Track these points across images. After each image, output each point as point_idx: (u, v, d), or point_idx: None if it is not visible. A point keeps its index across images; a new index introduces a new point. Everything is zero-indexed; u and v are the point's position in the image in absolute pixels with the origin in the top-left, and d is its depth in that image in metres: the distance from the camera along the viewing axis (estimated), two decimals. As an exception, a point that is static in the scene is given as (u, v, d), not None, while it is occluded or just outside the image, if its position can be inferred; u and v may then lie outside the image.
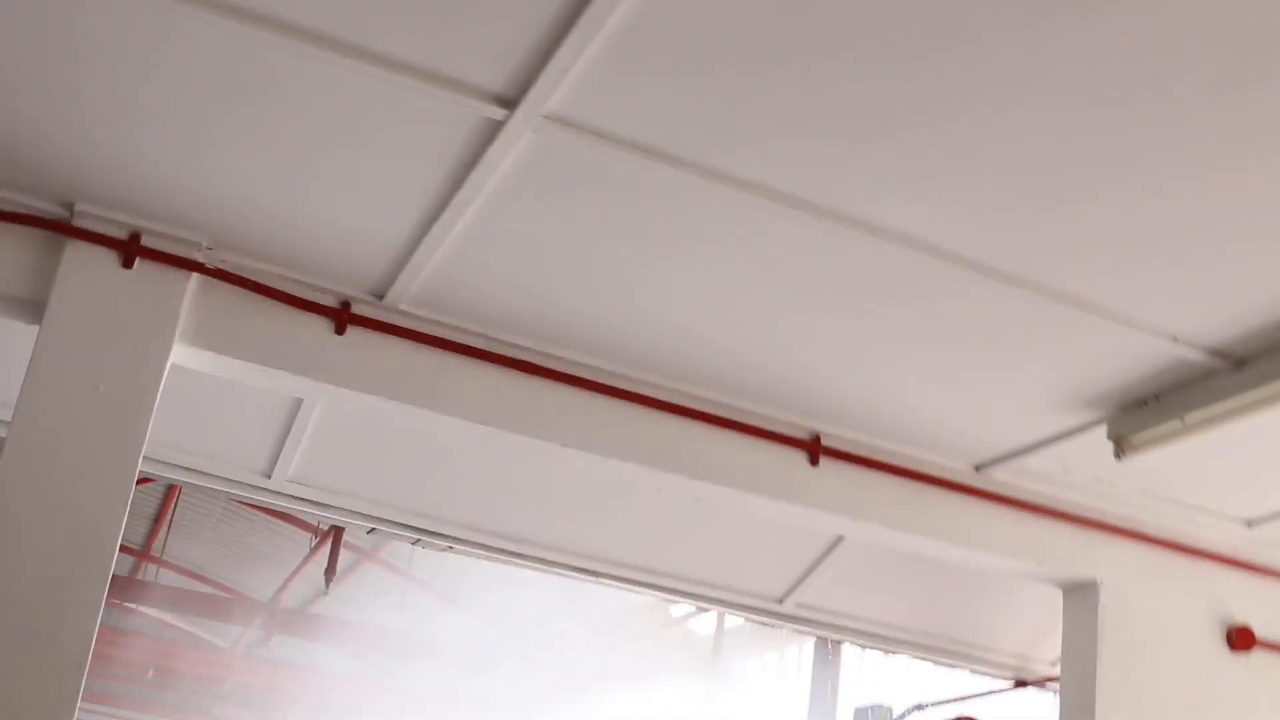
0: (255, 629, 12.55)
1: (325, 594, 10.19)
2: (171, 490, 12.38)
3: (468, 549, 5.73)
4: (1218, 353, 3.94)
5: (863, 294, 3.90)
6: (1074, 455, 4.75)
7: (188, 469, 4.90)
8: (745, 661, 10.66)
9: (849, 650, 7.79)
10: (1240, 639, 5.28)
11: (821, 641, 7.71)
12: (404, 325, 4.25)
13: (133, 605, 16.05)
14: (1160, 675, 5.14)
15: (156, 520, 13.65)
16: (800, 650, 9.74)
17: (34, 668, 3.47)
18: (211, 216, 3.85)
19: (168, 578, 14.77)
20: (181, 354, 3.92)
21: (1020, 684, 6.63)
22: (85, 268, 3.78)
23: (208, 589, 14.93)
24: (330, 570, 9.31)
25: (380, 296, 4.18)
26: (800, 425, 4.78)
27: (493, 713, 15.15)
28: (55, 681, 3.49)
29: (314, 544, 10.49)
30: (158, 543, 14.08)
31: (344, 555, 12.06)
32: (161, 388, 3.82)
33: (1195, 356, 3.96)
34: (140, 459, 3.74)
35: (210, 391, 4.47)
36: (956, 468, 5.00)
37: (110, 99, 3.33)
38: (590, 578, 6.12)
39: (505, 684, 13.81)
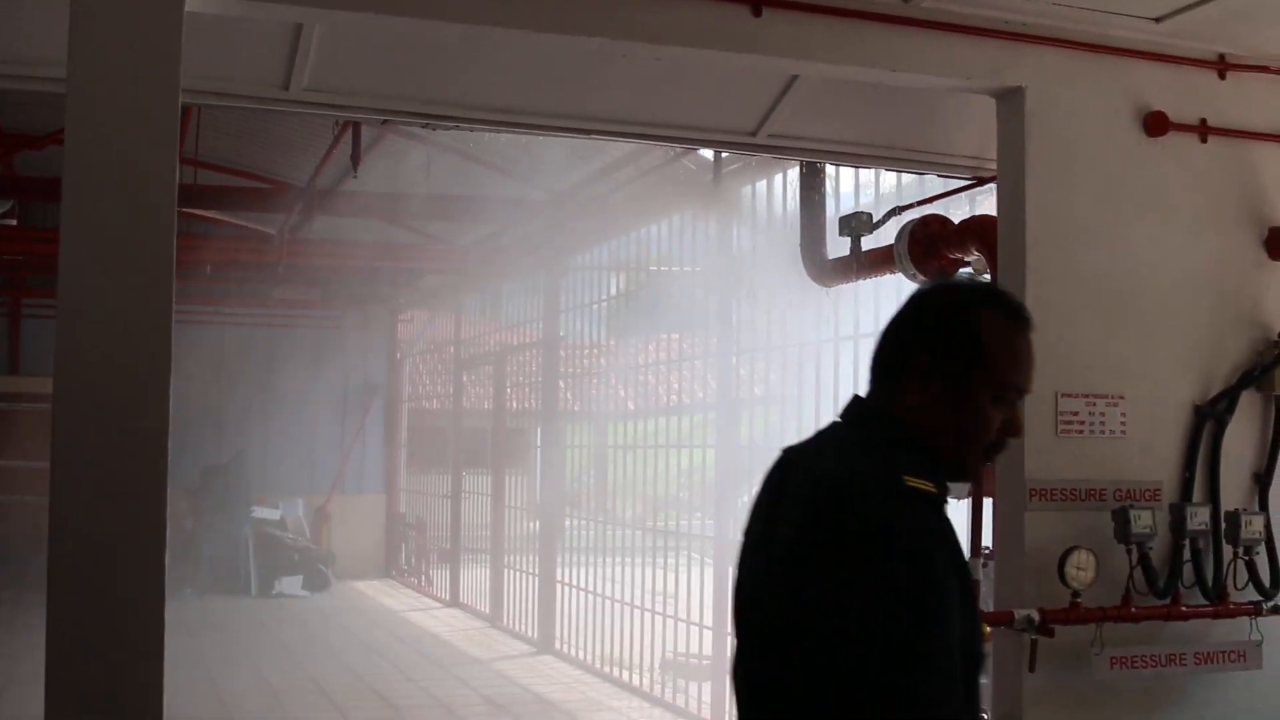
0: (297, 214, 13.34)
1: (355, 175, 10.98)
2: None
3: (474, 126, 6.49)
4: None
5: None
6: (990, -19, 5.31)
7: (217, 93, 5.59)
8: (741, 189, 11.49)
9: (831, 171, 8.53)
10: (1154, 123, 5.94)
11: (805, 165, 8.43)
12: (374, -59, 4.80)
13: (180, 208, 16.79)
14: (1084, 163, 5.84)
15: (182, 121, 14.06)
16: (787, 176, 10.50)
17: (126, 276, 4.32)
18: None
19: (208, 178, 15.41)
20: (193, 3, 4.52)
21: (979, 181, 7.38)
22: (98, -62, 4.32)
23: (248, 182, 15.58)
24: (355, 155, 10.10)
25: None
26: (741, -18, 5.32)
27: (531, 258, 16.07)
28: (149, 290, 4.34)
29: (336, 130, 11.15)
30: (189, 144, 14.57)
31: (365, 131, 12.36)
32: (184, 32, 4.46)
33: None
34: (180, 95, 4.43)
35: (222, 28, 5.09)
36: (889, 1, 5.53)
37: None
38: (583, 136, 6.91)
39: (540, 232, 14.53)
